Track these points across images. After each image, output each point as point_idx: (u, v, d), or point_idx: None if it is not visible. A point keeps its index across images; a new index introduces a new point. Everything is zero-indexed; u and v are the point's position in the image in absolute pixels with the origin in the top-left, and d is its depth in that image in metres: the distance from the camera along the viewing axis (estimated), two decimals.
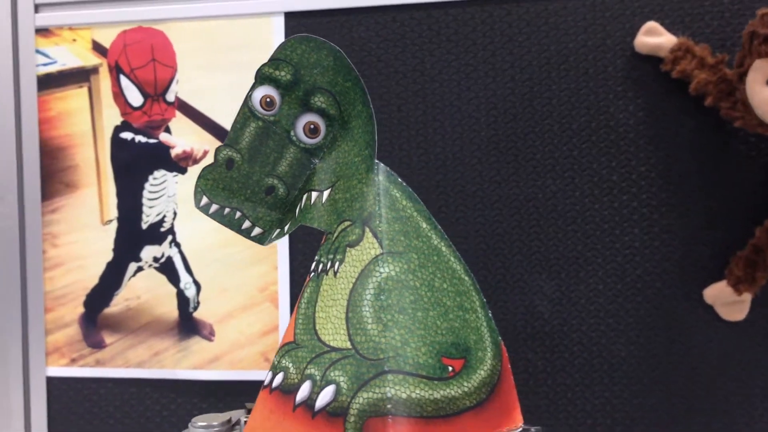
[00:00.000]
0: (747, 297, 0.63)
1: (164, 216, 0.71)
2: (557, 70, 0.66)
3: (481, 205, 0.67)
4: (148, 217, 0.71)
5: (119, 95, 0.71)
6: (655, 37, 0.63)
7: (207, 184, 0.45)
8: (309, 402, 0.38)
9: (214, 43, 0.70)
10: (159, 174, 0.71)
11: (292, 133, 0.44)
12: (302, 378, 0.39)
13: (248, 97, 0.44)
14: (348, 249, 0.40)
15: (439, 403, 0.37)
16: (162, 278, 0.71)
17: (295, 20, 0.69)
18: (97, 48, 0.72)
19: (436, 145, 0.67)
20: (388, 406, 0.35)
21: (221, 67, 0.69)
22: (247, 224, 0.46)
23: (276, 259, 0.69)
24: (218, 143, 0.70)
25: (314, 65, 0.43)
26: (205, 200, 0.45)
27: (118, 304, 0.72)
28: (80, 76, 0.72)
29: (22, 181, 0.73)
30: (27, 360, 0.74)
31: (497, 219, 0.66)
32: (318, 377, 0.38)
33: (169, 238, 0.71)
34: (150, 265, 0.71)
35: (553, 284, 0.66)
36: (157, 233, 0.71)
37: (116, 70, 0.71)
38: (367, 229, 0.40)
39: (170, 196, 0.71)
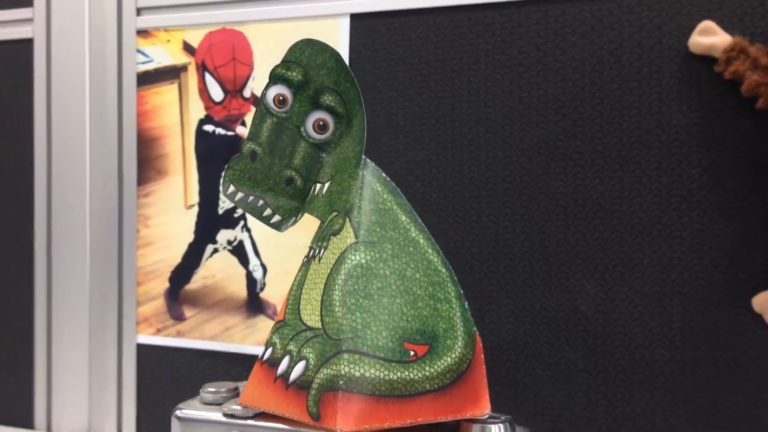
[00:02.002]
0: None
1: None
2: (609, 70, 0.65)
3: (528, 203, 0.68)
4: (224, 203, 0.78)
5: (204, 91, 0.78)
6: (709, 37, 0.62)
7: (234, 174, 0.50)
8: (285, 375, 0.42)
9: (286, 44, 0.75)
10: None
11: (302, 129, 0.48)
12: (284, 353, 0.43)
13: (263, 95, 0.48)
14: (332, 237, 0.44)
15: (394, 384, 0.39)
16: (234, 260, 0.77)
17: (359, 21, 0.73)
18: (187, 48, 0.79)
19: (487, 143, 0.69)
20: (341, 382, 0.39)
21: None
22: (268, 212, 0.51)
23: None
24: None
25: (321, 66, 0.47)
26: (231, 188, 0.50)
27: (196, 281, 0.79)
28: (172, 73, 0.80)
29: (121, 167, 0.82)
30: (121, 328, 0.83)
31: (543, 217, 0.67)
32: (295, 353, 0.42)
33: (241, 223, 0.77)
34: (224, 248, 0.78)
35: (597, 285, 0.66)
36: (231, 218, 0.77)
37: (202, 68, 0.78)
38: (347, 220, 0.43)
39: None
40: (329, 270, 0.42)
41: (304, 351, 0.41)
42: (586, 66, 0.66)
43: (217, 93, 0.78)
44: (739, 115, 0.62)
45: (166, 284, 0.80)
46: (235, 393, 0.49)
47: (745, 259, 0.62)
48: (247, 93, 0.77)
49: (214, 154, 0.78)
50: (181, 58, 0.79)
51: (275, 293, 0.76)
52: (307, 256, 0.46)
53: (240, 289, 0.77)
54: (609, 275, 0.65)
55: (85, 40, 0.83)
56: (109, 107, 0.82)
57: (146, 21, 0.81)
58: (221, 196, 0.78)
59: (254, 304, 0.77)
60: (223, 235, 0.78)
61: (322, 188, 0.47)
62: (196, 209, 0.79)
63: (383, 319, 0.40)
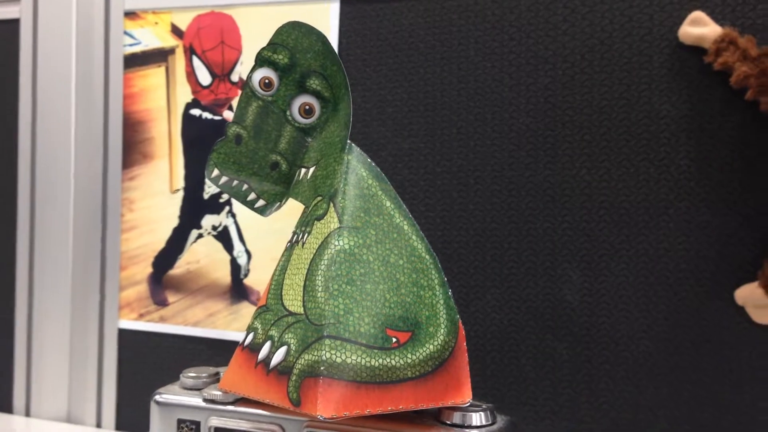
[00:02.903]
0: None
1: None
2: (599, 59, 0.65)
3: (516, 192, 0.67)
4: (210, 188, 0.77)
5: (191, 75, 0.77)
6: (699, 28, 0.61)
7: (219, 158, 0.49)
8: (266, 360, 0.42)
9: (276, 28, 0.74)
10: None
11: (288, 113, 0.48)
12: (265, 338, 0.43)
13: (249, 78, 0.48)
14: (315, 222, 0.43)
15: (376, 371, 0.39)
16: (218, 245, 0.77)
17: (350, 6, 0.72)
18: (175, 31, 0.78)
19: (475, 132, 0.68)
20: (322, 368, 0.38)
21: None
22: (252, 196, 0.50)
23: None
24: None
25: (307, 50, 0.46)
26: (216, 172, 0.50)
27: (180, 266, 0.78)
28: (160, 56, 0.79)
29: (107, 150, 0.81)
30: (103, 312, 0.82)
31: (530, 206, 0.67)
32: (276, 338, 0.42)
33: (227, 208, 0.76)
34: (209, 233, 0.77)
35: (583, 275, 0.65)
36: (217, 203, 0.77)
37: (190, 52, 0.77)
38: (331, 205, 0.42)
39: None
40: (312, 255, 0.42)
41: (286, 336, 0.41)
42: (576, 54, 0.66)
43: (204, 77, 0.77)
44: (728, 107, 0.62)
45: (150, 269, 0.80)
46: (215, 378, 0.48)
47: (730, 251, 0.62)
48: (235, 77, 0.76)
49: (201, 139, 0.77)
50: (169, 40, 0.78)
51: (259, 280, 0.75)
52: (290, 241, 0.46)
53: (224, 275, 0.77)
54: (595, 265, 0.65)
55: (72, 21, 0.82)
56: (95, 89, 0.81)
57: (134, 2, 0.80)
58: (206, 180, 0.77)
59: (238, 291, 0.76)
60: (208, 221, 0.77)
61: (306, 173, 0.47)
62: (181, 194, 0.78)
63: (366, 305, 0.40)
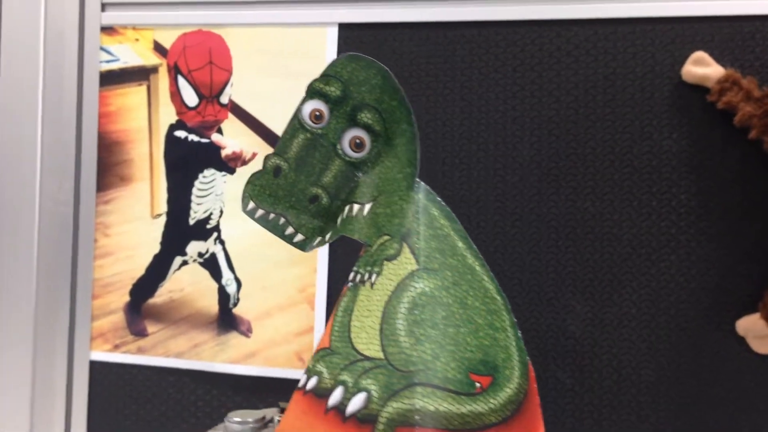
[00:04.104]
0: None
1: (211, 213, 0.73)
2: (603, 94, 0.66)
3: (520, 224, 0.68)
4: (196, 214, 0.74)
5: (176, 95, 0.74)
6: (702, 68, 0.64)
7: (254, 190, 0.47)
8: (340, 407, 0.40)
9: (269, 50, 0.72)
10: (209, 173, 0.73)
11: (338, 147, 0.46)
12: (335, 383, 0.41)
13: (298, 109, 0.46)
14: (385, 262, 0.42)
15: (466, 418, 0.38)
16: (205, 273, 0.74)
17: (348, 31, 0.71)
18: (158, 48, 0.75)
19: (478, 162, 0.68)
20: (416, 417, 0.37)
21: (275, 73, 0.72)
22: (290, 230, 0.48)
23: (316, 261, 0.71)
24: (268, 146, 0.72)
25: (363, 83, 0.45)
26: (251, 205, 0.47)
27: (162, 295, 0.75)
28: (140, 74, 0.75)
29: (79, 171, 0.77)
30: (72, 343, 0.77)
31: (534, 237, 0.67)
32: (350, 384, 0.40)
33: (215, 234, 0.73)
34: (194, 260, 0.74)
35: (586, 305, 0.66)
36: (203, 229, 0.74)
37: (175, 71, 0.74)
38: (405, 245, 0.41)
39: (218, 194, 0.73)
40: (387, 297, 0.41)
41: (364, 382, 0.40)
42: (579, 89, 0.67)
43: (190, 97, 0.74)
44: (729, 144, 0.64)
45: (127, 297, 0.76)
46: (263, 423, 0.46)
47: (730, 283, 0.64)
48: (224, 99, 0.73)
49: (186, 162, 0.74)
50: (152, 58, 0.75)
51: (250, 309, 0.73)
52: (352, 281, 0.44)
53: (211, 304, 0.74)
54: (598, 296, 0.66)
55: (39, 34, 0.77)
56: (65, 106, 0.76)
57: (112, 17, 0.76)
58: (193, 206, 0.74)
59: (226, 320, 0.73)
60: (194, 247, 0.74)
61: (361, 209, 0.45)
62: (163, 219, 0.75)
63: (450, 349, 0.39)
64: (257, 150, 0.72)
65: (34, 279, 0.77)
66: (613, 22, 0.66)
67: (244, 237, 0.73)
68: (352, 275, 0.45)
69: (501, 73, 0.68)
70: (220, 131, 0.73)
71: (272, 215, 0.48)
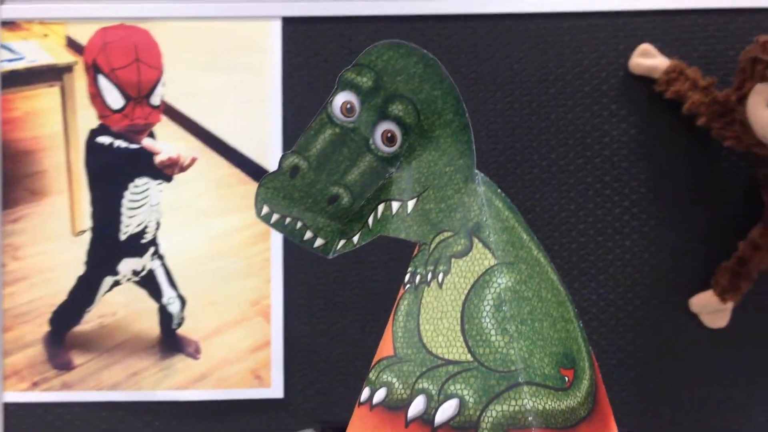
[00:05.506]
0: (730, 305, 0.66)
1: (146, 226, 0.66)
2: (555, 87, 0.67)
3: None
4: (128, 228, 0.66)
5: (97, 96, 0.66)
6: (649, 59, 0.66)
7: (268, 193, 0.43)
8: (425, 417, 0.37)
9: (206, 45, 0.66)
10: (141, 182, 0.66)
11: (370, 141, 0.43)
12: (413, 392, 0.38)
13: (328, 103, 0.42)
14: (453, 260, 0.39)
15: (566, 414, 0.37)
16: (142, 293, 0.67)
17: (293, 25, 0.67)
18: (72, 45, 0.67)
19: None
20: (530, 418, 0.35)
21: (214, 69, 0.66)
22: (308, 235, 0.44)
23: (269, 272, 0.66)
24: (207, 149, 0.66)
25: (399, 72, 0.42)
26: (266, 209, 0.43)
27: (90, 321, 0.66)
28: (52, 74, 0.67)
29: None
30: None
31: None
32: (434, 391, 0.37)
33: (151, 249, 0.67)
34: (128, 279, 0.67)
35: None
36: (138, 245, 0.67)
37: (94, 70, 0.66)
38: (475, 240, 0.39)
39: (153, 205, 0.66)
40: (462, 296, 0.38)
41: (452, 388, 0.37)
42: (532, 82, 0.68)
43: (115, 99, 0.66)
44: (676, 132, 0.67)
45: (46, 327, 0.67)
46: None
47: (681, 264, 0.68)
48: (155, 100, 0.66)
49: (113, 171, 0.66)
50: (64, 56, 0.67)
51: (197, 328, 0.66)
52: (411, 283, 0.41)
53: (151, 327, 0.67)
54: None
55: None
56: None
57: (14, 10, 0.66)
58: (125, 219, 0.66)
59: (170, 343, 0.66)
60: (127, 265, 0.67)
61: (403, 206, 0.42)
62: (88, 235, 0.67)
63: (540, 345, 0.37)
64: (196, 154, 0.67)
65: None
66: (559, 16, 0.67)
67: (187, 250, 0.66)
68: (408, 276, 0.41)
69: (454, 66, 0.67)
70: (152, 135, 0.66)
71: (288, 219, 0.43)
